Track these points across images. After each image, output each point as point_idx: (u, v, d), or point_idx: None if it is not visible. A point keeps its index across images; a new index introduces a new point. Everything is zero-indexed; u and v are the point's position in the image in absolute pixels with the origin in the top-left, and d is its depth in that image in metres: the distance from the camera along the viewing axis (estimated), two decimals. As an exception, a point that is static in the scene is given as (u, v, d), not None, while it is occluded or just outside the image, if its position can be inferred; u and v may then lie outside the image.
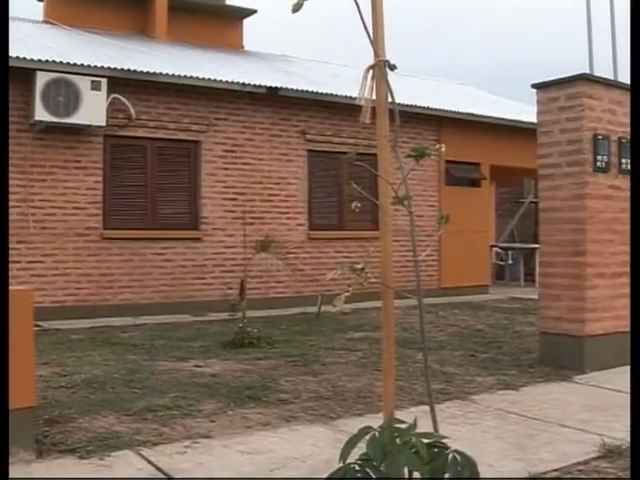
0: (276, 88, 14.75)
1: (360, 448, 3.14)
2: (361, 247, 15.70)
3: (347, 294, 3.43)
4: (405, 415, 3.49)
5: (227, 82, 14.24)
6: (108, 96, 12.96)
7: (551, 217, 8.41)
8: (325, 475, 3.22)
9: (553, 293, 8.34)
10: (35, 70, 12.37)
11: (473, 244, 17.53)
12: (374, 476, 3.03)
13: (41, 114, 12.36)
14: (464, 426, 5.77)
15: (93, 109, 12.70)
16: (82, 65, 12.71)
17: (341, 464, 3.10)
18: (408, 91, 16.69)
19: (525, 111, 17.88)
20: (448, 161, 17.02)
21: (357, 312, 12.83)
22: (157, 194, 14.02)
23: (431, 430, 3.38)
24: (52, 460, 4.94)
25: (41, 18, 17.94)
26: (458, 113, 17.18)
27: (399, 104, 3.74)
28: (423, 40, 77.26)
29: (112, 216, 13.59)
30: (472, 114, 17.41)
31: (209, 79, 14.01)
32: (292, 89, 14.98)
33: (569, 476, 4.64)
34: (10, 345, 4.86)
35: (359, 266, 3.47)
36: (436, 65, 63.88)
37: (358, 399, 6.73)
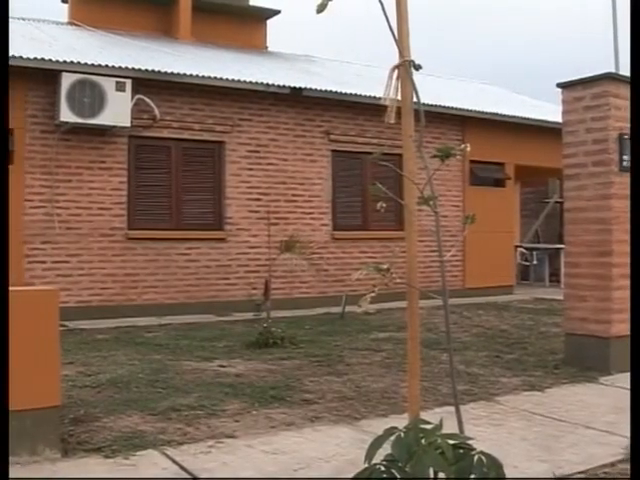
0: (300, 88, 14.75)
1: (385, 449, 3.13)
2: (385, 247, 15.67)
3: (373, 294, 3.42)
4: (430, 416, 3.48)
5: (251, 83, 14.25)
6: (133, 97, 13.01)
7: (577, 217, 8.36)
8: (350, 475, 3.21)
9: (579, 294, 8.28)
10: (60, 71, 12.44)
11: (497, 244, 17.45)
12: (399, 477, 3.02)
13: (66, 115, 12.42)
14: (489, 427, 5.74)
15: (118, 110, 12.75)
16: (107, 66, 12.77)
17: (366, 465, 3.09)
18: (431, 91, 16.64)
19: (550, 111, 17.79)
20: (472, 161, 16.96)
21: (381, 312, 12.80)
22: (181, 195, 14.05)
23: (456, 431, 3.37)
24: (78, 459, 4.96)
25: (66, 20, 18.04)
26: (482, 113, 17.11)
27: (423, 104, 3.73)
28: (441, 39, 77.01)
29: (137, 216, 13.63)
30: (497, 114, 17.34)
31: (233, 80, 14.03)
32: (316, 89, 14.97)
33: (595, 478, 4.61)
34: (36, 345, 4.90)
35: (384, 266, 3.45)
36: (455, 65, 63.61)
37: (382, 399, 6.72)
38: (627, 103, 8.13)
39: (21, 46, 13.22)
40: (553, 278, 20.54)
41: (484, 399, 6.77)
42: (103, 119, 12.69)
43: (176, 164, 14.03)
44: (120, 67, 12.88)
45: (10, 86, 12.43)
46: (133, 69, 13.02)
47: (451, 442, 3.06)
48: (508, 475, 3.13)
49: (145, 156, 13.80)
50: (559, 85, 8.62)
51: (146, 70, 13.19)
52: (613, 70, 10.02)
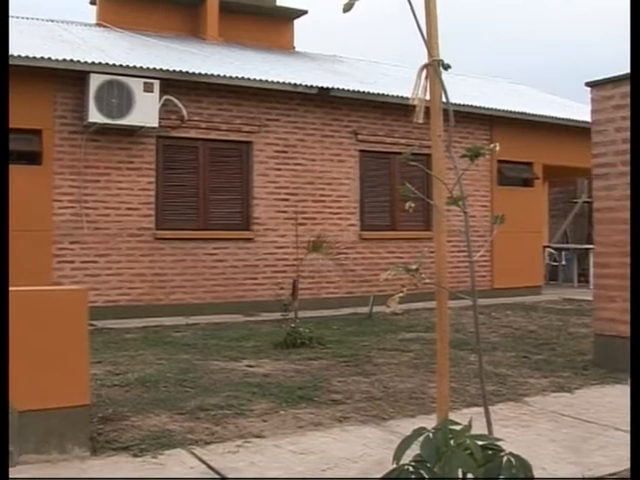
0: (327, 88, 14.74)
1: (413, 449, 3.11)
2: (413, 247, 15.64)
3: (401, 295, 3.41)
4: (458, 417, 3.45)
5: (278, 83, 14.27)
6: (160, 97, 13.06)
7: (606, 217, 8.30)
8: (378, 476, 3.20)
9: (608, 294, 8.22)
10: (89, 72, 12.51)
11: (526, 245, 17.36)
12: (428, 477, 3.01)
13: (95, 116, 12.49)
14: (517, 428, 5.71)
15: (146, 110, 12.81)
16: (135, 67, 12.83)
17: (394, 465, 3.08)
18: (459, 90, 16.58)
19: (579, 110, 17.67)
20: (500, 161, 16.87)
21: (409, 313, 12.78)
22: (209, 195, 14.09)
23: (484, 432, 3.35)
24: (106, 457, 4.98)
25: (94, 21, 18.13)
26: (511, 112, 17.02)
27: (451, 104, 3.71)
28: (470, 39, 76.76)
29: (165, 217, 13.68)
30: (525, 113, 17.25)
31: (260, 80, 14.05)
32: (343, 89, 14.96)
33: (625, 480, 4.57)
34: (65, 344, 4.92)
35: (413, 267, 3.44)
36: (484, 65, 63.36)
37: (410, 400, 6.70)
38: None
39: (50, 47, 13.31)
40: (582, 278, 20.40)
41: (512, 400, 6.73)
42: (131, 120, 12.75)
43: (204, 164, 14.07)
44: (148, 68, 12.94)
45: (39, 87, 12.60)
46: (161, 70, 13.07)
47: (480, 443, 3.04)
48: (537, 477, 3.11)
49: (173, 156, 13.85)
50: (588, 84, 8.56)
51: (174, 71, 13.24)
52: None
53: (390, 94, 15.17)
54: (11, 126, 12.25)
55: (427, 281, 3.43)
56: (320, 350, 9.47)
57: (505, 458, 3.01)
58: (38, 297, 5.11)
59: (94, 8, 18.46)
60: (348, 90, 15.02)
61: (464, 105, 15.71)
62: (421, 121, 3.59)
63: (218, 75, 13.68)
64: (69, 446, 4.93)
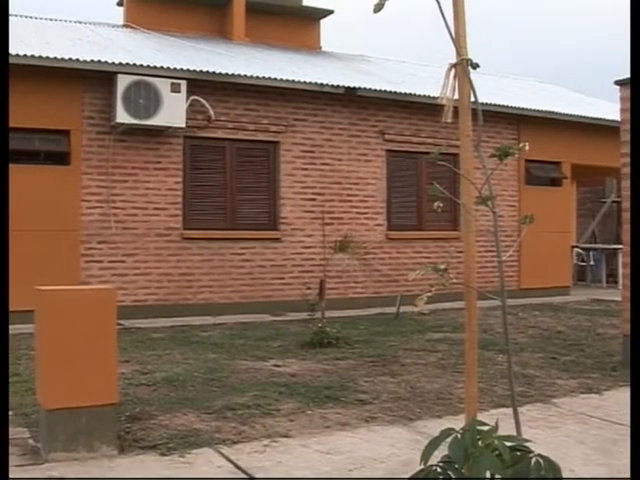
0: (354, 88, 14.72)
1: (441, 450, 3.10)
2: (440, 247, 15.59)
3: (429, 294, 3.39)
4: (485, 417, 3.43)
5: (305, 83, 14.27)
6: (187, 98, 13.09)
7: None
8: (405, 476, 3.19)
9: (637, 294, 8.13)
10: (116, 73, 12.57)
11: (553, 245, 17.25)
12: (455, 478, 2.99)
13: (122, 116, 12.55)
14: (545, 430, 5.68)
15: (173, 111, 12.85)
16: (162, 67, 12.87)
17: (422, 466, 3.06)
18: (486, 89, 16.52)
19: (608, 108, 17.55)
20: (528, 160, 16.78)
21: (436, 313, 12.75)
22: (236, 195, 14.11)
23: (512, 433, 3.32)
24: (134, 456, 5.01)
25: (121, 22, 18.22)
26: (538, 111, 16.92)
27: (480, 103, 3.68)
28: (500, 38, 76.41)
29: (192, 216, 13.72)
30: (553, 112, 17.14)
31: (287, 80, 14.05)
32: (370, 89, 14.93)
33: (655, 481, 4.52)
34: (94, 343, 4.95)
35: (442, 267, 3.42)
36: (508, 63, 63.07)
37: (437, 400, 6.68)
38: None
39: (78, 49, 13.39)
40: (610, 279, 20.25)
41: (540, 401, 6.70)
42: (158, 120, 12.80)
43: (231, 164, 14.09)
44: (175, 68, 12.98)
45: (67, 88, 12.68)
46: (188, 70, 13.11)
47: (508, 444, 3.02)
48: (565, 478, 3.09)
49: (200, 156, 13.89)
50: (617, 82, 8.50)
51: (201, 71, 13.27)
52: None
53: (417, 94, 15.14)
54: (40, 127, 12.48)
55: (454, 281, 3.41)
56: (347, 350, 9.46)
57: (534, 459, 2.99)
58: (67, 297, 5.13)
59: (121, 9, 18.55)
60: (375, 90, 14.99)
61: (491, 104, 15.63)
62: (449, 120, 3.57)
63: (245, 75, 13.70)
64: (97, 444, 4.96)
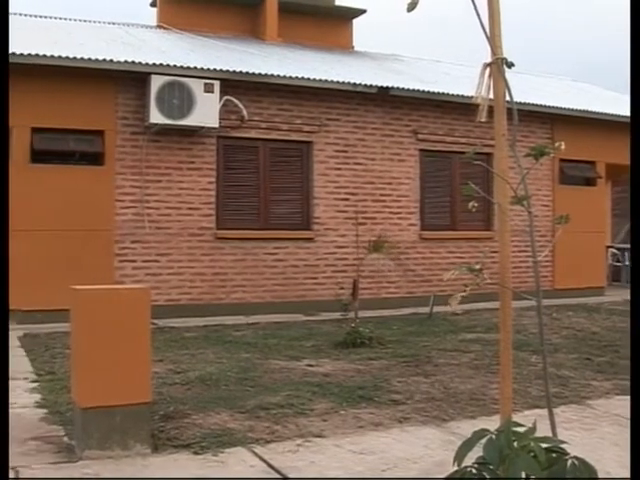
0: (387, 88, 14.69)
1: (474, 451, 3.08)
2: (473, 247, 15.52)
3: (463, 294, 3.37)
4: (519, 418, 3.40)
5: (338, 82, 14.26)
6: (221, 98, 13.13)
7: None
8: (439, 476, 3.17)
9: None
10: (150, 74, 12.63)
11: (588, 245, 17.10)
12: (490, 479, 2.97)
13: (156, 117, 12.61)
14: (580, 431, 5.62)
15: (206, 111, 12.89)
16: (195, 68, 12.92)
17: (456, 467, 3.04)
18: (520, 88, 16.41)
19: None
20: (562, 159, 16.64)
21: (469, 313, 12.68)
22: (269, 194, 14.13)
23: (547, 434, 3.29)
24: (167, 455, 5.02)
25: (154, 23, 18.30)
26: (572, 110, 16.78)
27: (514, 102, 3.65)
28: (535, 36, 75.95)
29: (225, 216, 13.76)
30: (587, 111, 16.99)
31: (320, 80, 14.05)
32: (403, 88, 14.89)
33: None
34: (128, 342, 4.97)
35: (476, 267, 3.40)
36: (543, 62, 62.67)
37: (471, 401, 6.64)
38: None
39: (111, 50, 13.46)
40: (646, 279, 19.99)
41: (575, 402, 6.64)
42: (192, 120, 12.84)
43: (264, 164, 14.11)
44: (208, 69, 13.02)
45: (101, 89, 12.78)
46: (221, 70, 13.14)
47: (544, 446, 2.99)
48: None
49: (233, 156, 13.92)
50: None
51: (234, 71, 13.30)
52: None
53: (450, 93, 15.07)
54: (74, 127, 12.57)
55: (489, 281, 3.39)
56: (380, 350, 9.43)
57: (569, 461, 2.96)
58: (102, 296, 5.16)
59: (154, 10, 18.63)
60: (408, 89, 14.94)
61: (525, 103, 15.52)
62: (484, 120, 3.54)
63: (278, 75, 13.71)
64: (131, 443, 4.98)
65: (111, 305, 4.99)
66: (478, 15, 3.44)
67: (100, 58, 12.36)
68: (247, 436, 5.43)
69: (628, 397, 6.85)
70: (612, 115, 17.33)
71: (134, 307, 5.05)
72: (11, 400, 6.64)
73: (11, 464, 4.78)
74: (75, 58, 12.17)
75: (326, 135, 14.56)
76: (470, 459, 3.07)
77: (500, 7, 3.59)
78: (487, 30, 3.54)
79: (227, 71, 13.22)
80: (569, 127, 16.57)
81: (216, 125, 13.13)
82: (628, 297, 16.37)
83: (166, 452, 5.08)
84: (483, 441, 3.05)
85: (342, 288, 13.75)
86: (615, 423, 5.92)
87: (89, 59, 12.25)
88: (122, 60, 12.53)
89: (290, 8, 18.25)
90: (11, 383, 7.38)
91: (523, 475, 2.95)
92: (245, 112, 13.66)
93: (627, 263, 20.86)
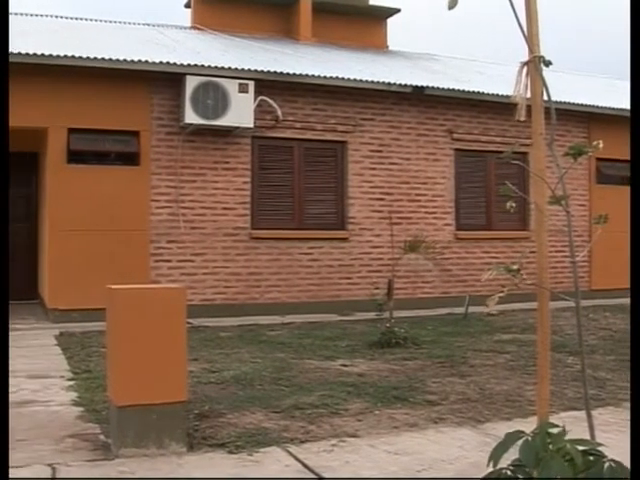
0: (422, 87, 14.64)
1: (510, 453, 3.05)
2: (508, 247, 15.43)
3: (501, 295, 3.34)
4: (555, 420, 3.36)
5: (373, 82, 14.23)
6: (255, 98, 13.16)
7: None
8: (475, 477, 3.15)
9: None
10: (184, 74, 12.68)
11: (625, 245, 16.86)
12: (525, 480, 2.94)
13: (191, 117, 12.66)
14: (618, 434, 5.55)
15: (241, 111, 12.92)
16: (230, 68, 12.95)
17: (491, 468, 3.01)
18: (556, 86, 16.27)
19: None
20: (599, 159, 16.49)
21: (504, 313, 12.60)
22: (304, 194, 14.14)
23: (584, 437, 3.25)
24: (203, 453, 5.03)
25: (189, 24, 18.38)
26: (610, 109, 16.64)
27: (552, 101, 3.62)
28: (573, 34, 75.35)
29: (260, 216, 13.78)
30: (625, 109, 16.81)
31: (355, 79, 14.02)
32: (438, 88, 14.83)
33: None
34: (165, 341, 4.99)
35: (514, 267, 3.37)
36: (578, 60, 62.07)
37: (506, 402, 6.59)
38: None
39: (146, 51, 13.53)
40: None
41: (612, 405, 6.56)
42: (227, 120, 12.88)
43: (299, 164, 14.13)
44: (243, 69, 13.05)
45: (136, 90, 12.87)
46: (255, 71, 13.17)
47: (580, 448, 2.96)
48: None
49: (268, 156, 13.94)
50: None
51: (268, 71, 13.32)
52: None
53: (486, 92, 14.99)
54: (110, 128, 12.67)
55: (528, 282, 3.36)
56: (415, 350, 9.40)
57: (607, 464, 2.91)
58: (139, 295, 5.18)
59: (189, 11, 18.71)
60: (443, 88, 14.88)
61: (562, 102, 15.40)
62: (522, 119, 3.51)
63: (313, 75, 13.72)
64: (166, 441, 5.00)
65: (147, 304, 5.02)
66: (515, 14, 3.42)
67: (135, 59, 12.43)
68: (282, 436, 5.43)
69: (667, 399, 6.78)
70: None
71: (170, 306, 5.07)
72: (48, 398, 6.73)
73: (48, 461, 4.83)
74: (111, 59, 12.26)
75: (361, 135, 14.54)
76: (505, 460, 3.04)
77: (537, 5, 3.56)
78: (524, 29, 3.51)
79: (261, 71, 13.24)
80: (606, 126, 16.40)
81: (251, 125, 13.15)
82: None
83: (201, 451, 5.09)
84: (519, 443, 3.02)
85: (377, 288, 13.70)
86: (654, 425, 5.84)
87: (124, 60, 12.33)
88: (157, 61, 12.60)
89: (324, 8, 18.26)
90: (48, 381, 7.49)
91: (558, 477, 2.91)
92: (280, 112, 13.68)
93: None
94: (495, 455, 3.05)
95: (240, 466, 4.79)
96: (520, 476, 2.95)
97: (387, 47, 19.82)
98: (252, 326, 11.88)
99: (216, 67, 12.93)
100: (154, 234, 12.93)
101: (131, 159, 12.91)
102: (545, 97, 3.50)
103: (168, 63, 12.66)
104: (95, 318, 9.85)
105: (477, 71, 18.75)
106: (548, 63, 3.50)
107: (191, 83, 12.63)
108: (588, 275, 16.62)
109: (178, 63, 12.75)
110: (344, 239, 14.36)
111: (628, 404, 6.56)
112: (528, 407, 6.20)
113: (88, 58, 12.12)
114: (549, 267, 3.58)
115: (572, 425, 3.14)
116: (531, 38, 3.51)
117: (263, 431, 5.53)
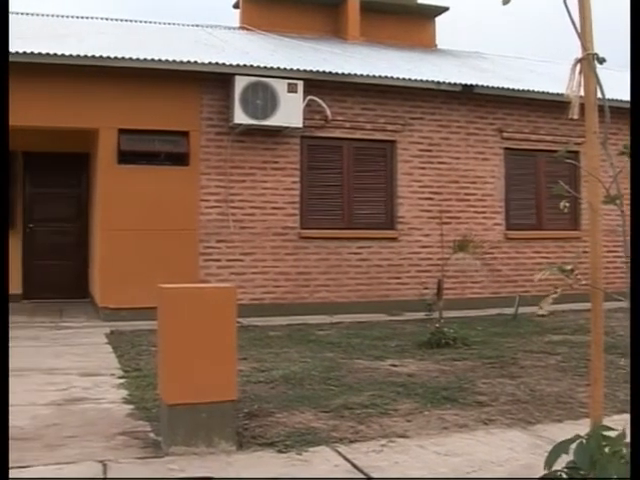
0: (471, 86, 14.54)
1: (561, 455, 3.01)
2: (559, 247, 15.27)
3: (555, 295, 3.30)
4: (608, 423, 3.32)
5: (422, 81, 14.17)
6: (304, 98, 13.17)
7: None
8: (528, 477, 3.12)
9: None
10: (234, 75, 12.73)
11: (680, 244, 16.67)
12: (581, 484, 2.91)
13: (240, 117, 12.70)
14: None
15: (290, 111, 12.94)
16: (278, 68, 12.98)
17: (546, 471, 2.98)
18: (608, 84, 16.04)
19: None
20: (653, 157, 16.26)
21: (555, 314, 12.45)
22: (353, 194, 14.12)
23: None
24: (252, 452, 5.04)
25: (237, 24, 18.45)
26: (663, 107, 16.38)
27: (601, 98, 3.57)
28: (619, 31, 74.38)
29: (309, 216, 13.79)
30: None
31: (404, 79, 13.97)
32: (488, 86, 14.71)
33: None
34: (215, 340, 5.01)
35: (568, 267, 3.32)
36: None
37: (557, 404, 6.51)
38: None
39: (196, 51, 13.62)
40: None
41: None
42: (276, 120, 12.91)
43: (348, 164, 14.12)
44: (292, 69, 13.07)
45: (186, 90, 12.97)
46: (304, 70, 13.18)
47: (637, 451, 2.91)
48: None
49: (317, 156, 13.95)
50: None
51: (317, 71, 13.33)
52: None
53: (536, 90, 14.84)
54: (160, 128, 12.78)
55: (582, 282, 3.31)
56: (464, 351, 9.34)
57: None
58: (190, 295, 5.21)
59: (237, 12, 18.79)
60: (492, 87, 14.76)
61: (614, 100, 15.18)
62: (576, 117, 3.47)
63: (362, 75, 13.70)
64: (216, 440, 5.02)
65: (198, 304, 5.04)
66: (568, 11, 3.38)
67: (185, 60, 12.51)
68: (331, 435, 5.43)
69: None
70: None
71: (221, 306, 5.09)
72: (99, 396, 6.80)
73: (99, 458, 4.88)
74: (160, 60, 12.35)
75: (410, 134, 14.49)
76: (559, 463, 3.01)
77: (591, 2, 3.52)
78: (577, 26, 3.47)
79: (310, 71, 13.25)
80: (659, 124, 16.15)
81: (300, 125, 13.17)
82: None
83: (250, 450, 5.10)
84: (574, 445, 2.99)
85: (426, 288, 13.66)
86: None
87: (174, 61, 12.42)
88: (207, 61, 12.67)
89: (372, 7, 18.23)
90: (98, 379, 7.56)
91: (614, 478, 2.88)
92: (329, 112, 13.68)
93: None
94: (550, 458, 3.02)
95: (289, 465, 4.80)
96: (576, 477, 2.92)
97: (435, 46, 19.73)
98: (301, 325, 11.90)
99: (265, 67, 12.97)
100: (203, 233, 13.01)
101: (181, 159, 12.99)
102: (599, 95, 3.46)
103: (217, 63, 12.73)
104: (145, 317, 9.93)
105: (527, 69, 18.58)
106: (602, 60, 3.46)
107: (240, 83, 12.68)
108: None
109: (227, 63, 12.80)
110: (393, 239, 14.31)
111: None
112: (579, 409, 6.13)
113: (138, 59, 12.23)
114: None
115: (626, 428, 3.09)
116: (584, 35, 3.48)
117: (312, 430, 5.52)
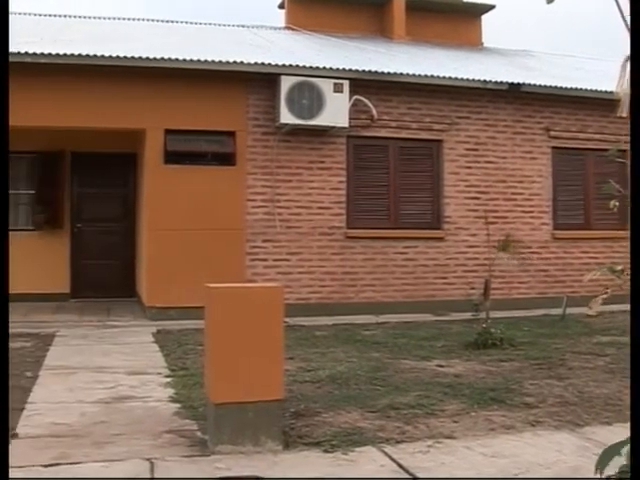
0: (518, 84, 14.42)
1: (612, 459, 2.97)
2: (607, 247, 15.09)
3: (605, 296, 3.27)
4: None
5: (468, 80, 14.08)
6: (350, 98, 13.16)
7: None
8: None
9: None
10: (279, 75, 12.76)
11: None
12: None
13: (286, 117, 12.73)
14: None
15: (336, 111, 12.94)
16: (324, 68, 12.98)
17: (598, 475, 2.94)
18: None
19: None
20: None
21: (603, 315, 12.29)
22: (399, 194, 14.08)
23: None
24: (298, 452, 5.06)
25: (283, 25, 18.51)
26: None
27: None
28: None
29: (355, 215, 13.78)
30: None
31: (450, 77, 13.90)
32: (535, 85, 14.58)
33: None
34: (263, 340, 5.03)
35: (619, 267, 3.29)
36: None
37: (606, 406, 6.44)
38: None
39: (241, 52, 13.67)
40: None
41: None
42: (322, 120, 12.91)
43: (394, 163, 14.08)
44: (337, 69, 13.06)
45: (232, 90, 13.04)
46: (350, 70, 13.17)
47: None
48: None
49: (363, 156, 13.93)
50: None
51: (363, 71, 13.30)
52: None
53: (584, 88, 14.68)
54: (206, 128, 12.87)
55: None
56: (511, 351, 9.27)
57: None
58: (237, 294, 5.24)
59: (282, 12, 18.84)
60: (540, 85, 14.62)
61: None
62: (625, 115, 3.43)
63: (407, 74, 13.66)
64: (262, 439, 5.04)
65: (245, 303, 5.07)
66: (619, 6, 3.34)
67: (231, 60, 12.57)
68: (377, 435, 5.43)
69: None
70: None
71: (268, 305, 5.11)
72: (146, 394, 6.86)
73: (146, 455, 4.92)
74: (206, 61, 12.41)
75: (456, 133, 14.41)
76: (609, 467, 2.97)
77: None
78: (628, 21, 3.42)
79: (356, 71, 13.23)
80: None
81: (346, 125, 13.16)
82: None
83: (297, 449, 5.11)
84: (627, 449, 2.94)
85: (472, 288, 13.59)
86: None
87: (220, 61, 12.48)
88: (252, 62, 12.72)
89: (418, 6, 18.18)
90: (145, 377, 7.63)
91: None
92: (375, 111, 13.65)
93: None
94: (602, 461, 2.98)
95: (335, 465, 4.81)
96: (630, 481, 2.87)
97: (482, 44, 19.62)
98: (347, 325, 11.89)
99: (311, 67, 12.98)
100: (250, 233, 13.06)
101: (227, 159, 13.05)
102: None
103: (263, 64, 12.77)
104: (191, 316, 9.99)
105: (574, 67, 18.39)
106: (654, 57, 3.41)
107: (286, 83, 12.71)
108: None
109: (273, 63, 12.84)
110: (440, 238, 14.25)
111: None
112: (629, 412, 6.05)
113: (185, 60, 12.31)
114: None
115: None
116: (636, 31, 3.43)
117: (358, 430, 5.53)
